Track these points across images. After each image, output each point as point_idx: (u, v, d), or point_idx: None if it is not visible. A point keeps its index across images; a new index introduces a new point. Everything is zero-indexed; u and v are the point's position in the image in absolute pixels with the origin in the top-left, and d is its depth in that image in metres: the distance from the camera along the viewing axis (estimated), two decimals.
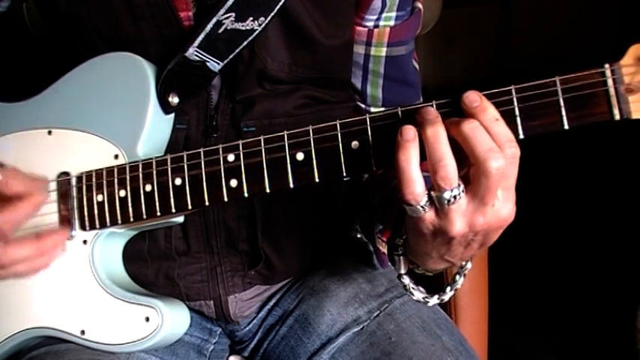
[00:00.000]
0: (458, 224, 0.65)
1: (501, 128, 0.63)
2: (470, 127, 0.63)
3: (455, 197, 0.63)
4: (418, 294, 0.77)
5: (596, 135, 0.65)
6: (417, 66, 1.02)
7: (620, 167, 2.51)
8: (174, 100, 0.84)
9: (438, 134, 0.63)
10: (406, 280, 0.77)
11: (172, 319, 0.84)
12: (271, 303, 1.01)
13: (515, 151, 0.62)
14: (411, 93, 1.03)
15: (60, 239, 0.84)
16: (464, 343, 0.89)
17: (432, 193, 0.65)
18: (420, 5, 0.96)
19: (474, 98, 0.64)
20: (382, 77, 0.98)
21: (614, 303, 2.03)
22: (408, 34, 0.96)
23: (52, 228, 0.85)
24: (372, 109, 1.02)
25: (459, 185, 0.63)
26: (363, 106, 1.02)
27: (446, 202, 0.63)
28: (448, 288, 0.76)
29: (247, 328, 1.01)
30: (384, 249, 0.85)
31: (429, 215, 0.66)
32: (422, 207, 0.65)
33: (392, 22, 0.94)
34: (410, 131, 0.65)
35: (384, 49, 0.95)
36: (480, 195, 0.63)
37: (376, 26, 0.94)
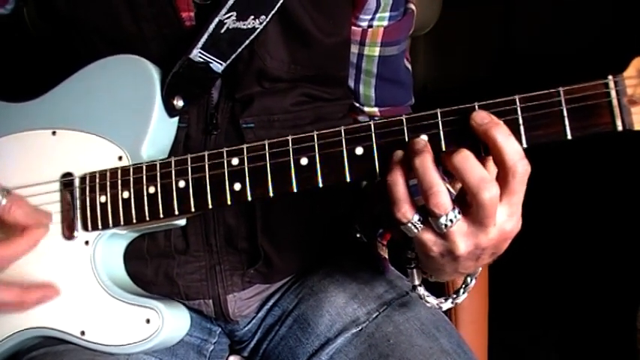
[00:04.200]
0: (462, 245, 0.66)
1: (514, 145, 0.63)
2: (460, 157, 0.63)
3: (451, 221, 0.64)
4: (433, 301, 0.78)
5: (596, 138, 0.66)
6: (408, 66, 1.04)
7: (620, 166, 2.51)
8: (179, 103, 0.84)
9: (425, 162, 0.64)
10: (421, 290, 0.78)
11: (173, 322, 0.84)
12: (270, 303, 1.01)
13: (527, 168, 0.63)
14: (403, 93, 1.04)
15: (46, 297, 0.84)
16: (462, 346, 0.90)
17: (429, 218, 0.66)
18: (412, 6, 0.97)
19: (483, 116, 0.65)
20: (375, 77, 0.99)
21: (614, 303, 2.04)
22: (400, 34, 0.97)
23: (42, 282, 0.85)
24: (366, 109, 1.03)
25: (454, 208, 0.64)
26: (357, 104, 1.03)
27: (443, 226, 0.64)
28: (461, 291, 0.77)
29: (247, 328, 1.02)
30: (384, 254, 0.85)
31: (429, 236, 0.67)
32: (413, 225, 0.67)
33: (385, 23, 0.95)
34: (398, 153, 0.67)
35: (377, 49, 0.96)
36: (478, 220, 0.64)
37: (370, 26, 0.95)
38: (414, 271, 0.77)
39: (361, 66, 0.99)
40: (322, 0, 0.87)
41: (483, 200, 0.62)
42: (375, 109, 1.03)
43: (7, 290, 0.81)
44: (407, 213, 0.66)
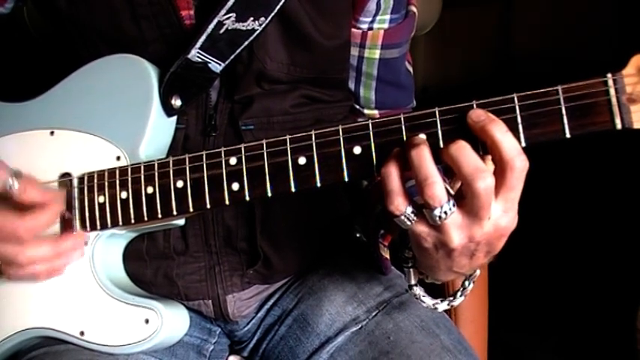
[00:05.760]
0: (456, 237, 0.65)
1: (511, 141, 0.63)
2: (455, 147, 0.63)
3: (446, 213, 0.64)
4: (429, 301, 0.77)
5: (596, 137, 0.66)
6: (410, 68, 1.03)
7: (620, 166, 2.51)
8: (176, 102, 0.84)
9: (422, 154, 0.64)
10: (417, 290, 0.77)
11: (172, 322, 0.84)
12: (270, 303, 1.01)
13: (525, 164, 0.63)
14: (404, 95, 1.04)
15: (79, 242, 0.84)
16: (462, 342, 0.90)
17: (423, 210, 0.65)
18: (414, 9, 0.97)
19: (479, 113, 0.65)
20: (375, 79, 0.99)
21: (614, 303, 2.04)
22: (401, 37, 0.97)
23: (70, 233, 0.85)
24: (366, 111, 1.03)
25: (449, 200, 0.64)
26: (357, 106, 1.03)
27: (437, 218, 0.64)
28: (458, 294, 0.77)
29: (246, 328, 1.02)
30: (386, 254, 0.85)
31: (422, 228, 0.67)
32: (406, 217, 0.66)
33: (386, 25, 0.95)
34: (395, 149, 0.67)
35: (378, 52, 0.96)
36: (474, 211, 0.64)
37: (370, 29, 0.95)
38: (411, 270, 0.77)
39: (361, 68, 0.98)
40: (322, 2, 0.87)
41: (478, 189, 0.62)
42: (375, 112, 1.03)
43: (40, 244, 0.81)
44: (400, 205, 0.66)
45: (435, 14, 2.19)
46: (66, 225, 0.85)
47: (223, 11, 0.80)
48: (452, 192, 0.69)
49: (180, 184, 0.78)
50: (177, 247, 0.92)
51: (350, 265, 1.00)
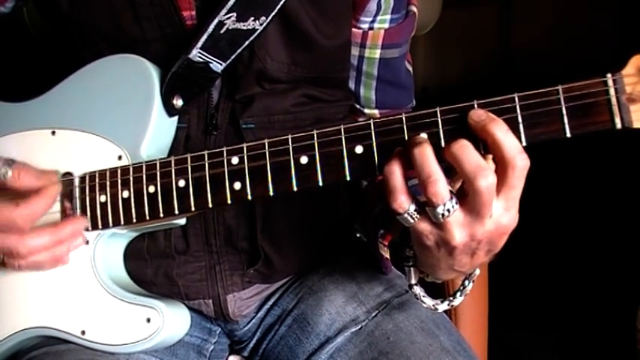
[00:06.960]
0: (458, 235, 0.66)
1: (512, 140, 0.63)
2: (457, 146, 0.64)
3: (449, 210, 0.64)
4: (429, 301, 0.78)
5: (596, 137, 0.67)
6: (410, 68, 1.04)
7: (620, 165, 2.52)
8: (178, 102, 0.84)
9: (425, 152, 0.65)
10: (417, 289, 0.77)
11: (173, 321, 0.84)
12: (270, 302, 1.01)
13: (526, 162, 0.63)
14: (404, 95, 1.04)
15: (79, 227, 0.84)
16: (462, 343, 0.90)
17: (426, 208, 0.66)
18: (414, 9, 0.97)
19: (480, 113, 0.65)
20: (375, 79, 0.99)
21: (614, 303, 2.04)
22: (402, 37, 0.97)
23: (71, 217, 0.84)
24: (366, 110, 1.03)
25: (451, 198, 0.64)
26: (357, 106, 1.03)
27: (440, 216, 0.64)
28: (458, 293, 0.77)
29: (246, 328, 1.02)
30: (386, 254, 0.85)
31: (425, 226, 0.67)
32: (410, 215, 0.67)
33: (386, 25, 0.95)
34: (398, 148, 0.68)
35: (378, 52, 0.96)
36: (475, 209, 0.64)
37: (371, 28, 0.95)
38: (411, 269, 0.77)
39: (362, 68, 0.99)
40: (323, 2, 0.87)
41: (479, 187, 0.62)
42: (376, 111, 1.03)
43: (40, 233, 0.81)
44: (403, 203, 0.66)
45: (435, 14, 2.19)
46: (67, 215, 0.85)
47: (224, 11, 0.81)
48: (453, 191, 0.70)
49: (182, 183, 0.78)
50: (178, 247, 0.92)
51: (350, 265, 1.00)
